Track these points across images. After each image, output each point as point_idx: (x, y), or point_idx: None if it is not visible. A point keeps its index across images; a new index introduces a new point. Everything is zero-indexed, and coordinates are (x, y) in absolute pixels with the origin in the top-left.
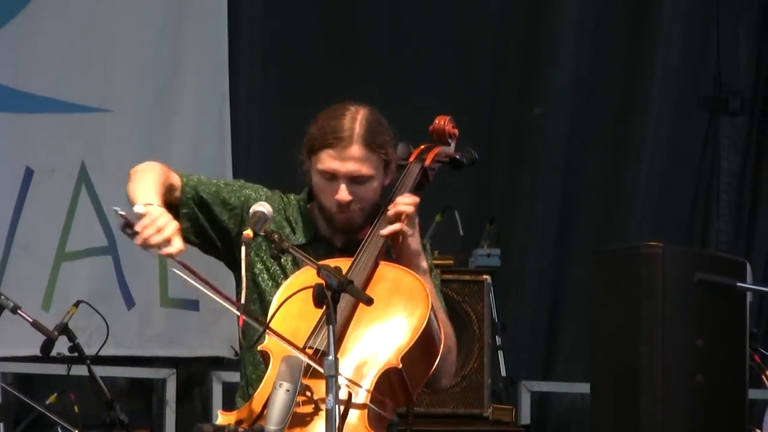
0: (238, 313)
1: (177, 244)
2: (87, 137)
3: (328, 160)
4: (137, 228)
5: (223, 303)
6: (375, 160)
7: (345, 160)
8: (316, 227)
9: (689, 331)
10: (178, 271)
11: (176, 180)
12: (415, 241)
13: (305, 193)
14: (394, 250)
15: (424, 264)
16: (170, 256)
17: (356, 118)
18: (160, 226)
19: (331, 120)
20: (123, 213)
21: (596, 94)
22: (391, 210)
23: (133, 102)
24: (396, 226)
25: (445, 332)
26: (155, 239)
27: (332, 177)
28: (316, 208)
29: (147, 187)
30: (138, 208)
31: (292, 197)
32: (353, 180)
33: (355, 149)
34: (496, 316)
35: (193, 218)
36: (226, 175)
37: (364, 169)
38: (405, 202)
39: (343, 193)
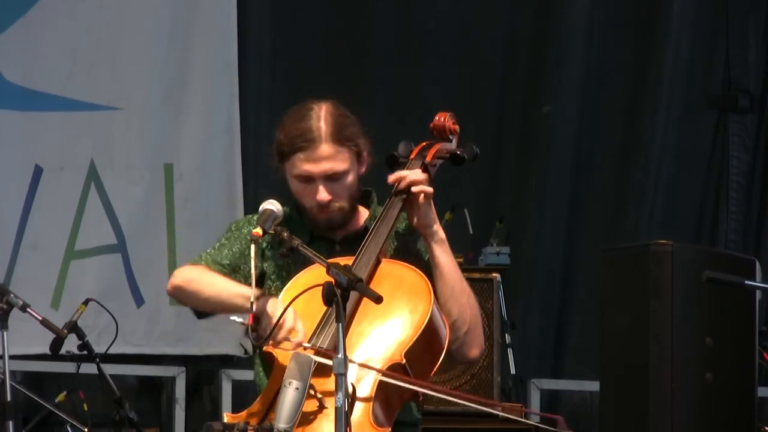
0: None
1: (301, 330)
2: (96, 135)
3: (301, 164)
4: (265, 333)
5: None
6: (347, 154)
7: (318, 161)
8: (311, 229)
9: (698, 330)
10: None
11: (204, 268)
12: (428, 209)
13: (293, 203)
14: (410, 220)
15: (442, 233)
16: (301, 345)
17: (321, 116)
18: (287, 326)
19: (297, 123)
20: (241, 320)
21: (605, 93)
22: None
23: (142, 101)
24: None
25: (468, 302)
26: (282, 335)
27: (308, 179)
28: (306, 214)
29: (224, 283)
30: (255, 308)
31: (286, 209)
32: (329, 178)
33: (325, 148)
34: (506, 315)
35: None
36: (235, 173)
37: (338, 166)
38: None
39: (323, 194)
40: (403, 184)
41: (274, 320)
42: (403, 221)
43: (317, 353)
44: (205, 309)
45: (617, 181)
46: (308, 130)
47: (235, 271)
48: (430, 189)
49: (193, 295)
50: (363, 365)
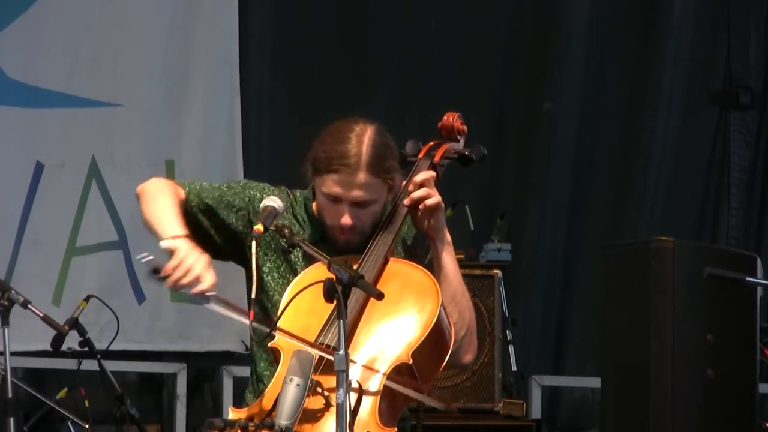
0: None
1: (208, 279)
2: (97, 132)
3: (333, 186)
4: (165, 272)
5: (258, 326)
6: (380, 185)
7: (351, 188)
8: (323, 228)
9: (699, 326)
10: (213, 308)
11: (182, 192)
12: (440, 215)
13: (310, 191)
14: (417, 225)
15: (449, 237)
16: (203, 293)
17: (363, 141)
18: (189, 266)
19: (338, 144)
20: (148, 259)
21: (606, 90)
22: (413, 194)
23: (143, 97)
24: (422, 192)
25: (467, 307)
26: (185, 281)
27: (336, 200)
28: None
29: (167, 213)
30: (164, 244)
31: (298, 194)
32: (357, 204)
33: (362, 176)
34: (507, 311)
35: (198, 226)
36: (237, 171)
37: (370, 196)
38: (421, 179)
39: (347, 219)
40: (420, 195)
41: (189, 265)
42: (407, 225)
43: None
44: (145, 226)
45: (618, 177)
46: (347, 154)
47: (210, 214)
48: (438, 198)
49: (145, 205)
50: (367, 367)
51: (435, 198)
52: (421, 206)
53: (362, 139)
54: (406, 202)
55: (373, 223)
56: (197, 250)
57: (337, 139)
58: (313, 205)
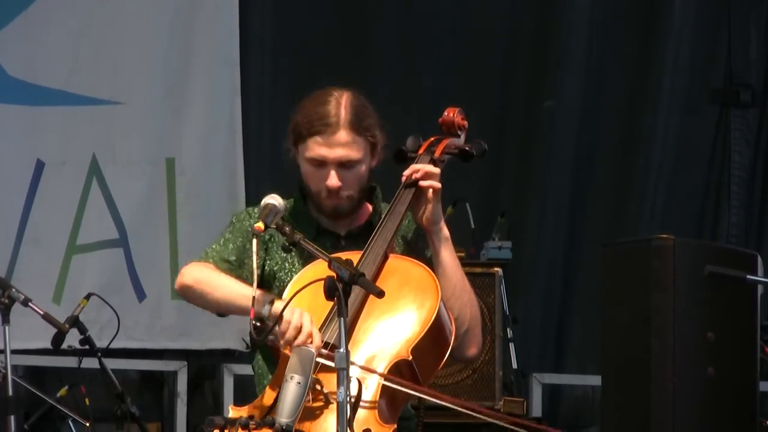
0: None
1: (317, 338)
2: (98, 130)
3: (316, 147)
4: (281, 334)
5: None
6: (362, 144)
7: (333, 146)
8: (318, 222)
9: (700, 324)
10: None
11: (212, 266)
12: (437, 206)
13: (298, 193)
14: (415, 218)
15: (446, 231)
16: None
17: (341, 103)
18: (300, 325)
19: (317, 106)
20: (258, 324)
21: (607, 88)
22: (410, 173)
23: (144, 95)
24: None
25: (469, 301)
26: (300, 339)
27: (321, 163)
28: (311, 203)
29: (232, 286)
30: (265, 312)
31: (285, 202)
32: (342, 165)
33: (343, 134)
34: (507, 309)
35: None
36: (237, 169)
37: (353, 154)
38: (422, 165)
39: (333, 179)
40: (419, 174)
41: (298, 323)
42: (407, 219)
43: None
44: (213, 311)
45: (619, 175)
46: (328, 114)
47: (241, 266)
48: (438, 185)
49: (202, 296)
50: (364, 368)
51: (432, 181)
52: (421, 183)
53: (340, 100)
54: (403, 178)
55: (360, 187)
56: (299, 310)
57: (315, 102)
58: (304, 201)
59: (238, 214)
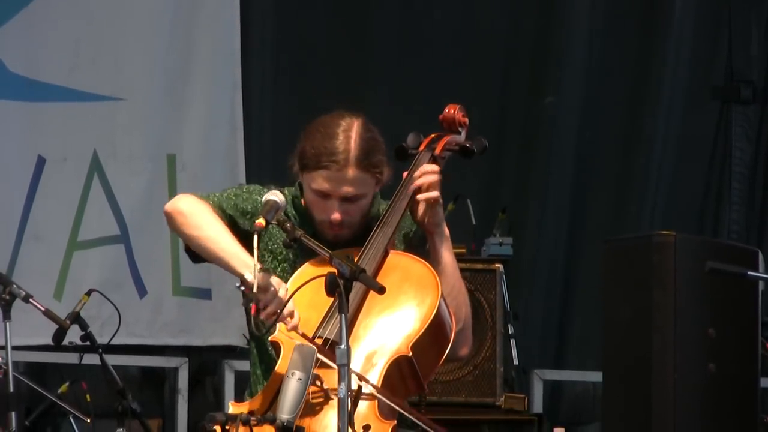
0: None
1: (297, 315)
2: (99, 126)
3: (322, 182)
4: (261, 305)
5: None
6: (369, 180)
7: (341, 184)
8: (313, 223)
9: (701, 320)
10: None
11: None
12: (439, 210)
13: (297, 188)
14: (416, 220)
15: (447, 230)
16: (294, 329)
17: (351, 137)
18: (281, 300)
19: (326, 140)
20: (244, 289)
21: (608, 84)
22: (416, 181)
23: (145, 91)
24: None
25: (464, 302)
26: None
27: (326, 196)
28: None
29: (227, 240)
30: (248, 276)
31: (287, 192)
32: (346, 199)
33: (351, 172)
34: (508, 305)
35: None
36: (238, 165)
37: (359, 190)
38: (426, 171)
39: (336, 215)
40: (420, 189)
41: (278, 296)
42: (408, 217)
43: (320, 349)
44: (197, 249)
45: (620, 172)
46: (337, 151)
47: (233, 224)
48: (436, 194)
49: (192, 228)
50: (360, 376)
51: (433, 193)
52: (418, 197)
53: (350, 134)
54: (409, 190)
55: (362, 217)
56: (283, 284)
57: (324, 135)
58: (302, 201)
59: (247, 185)
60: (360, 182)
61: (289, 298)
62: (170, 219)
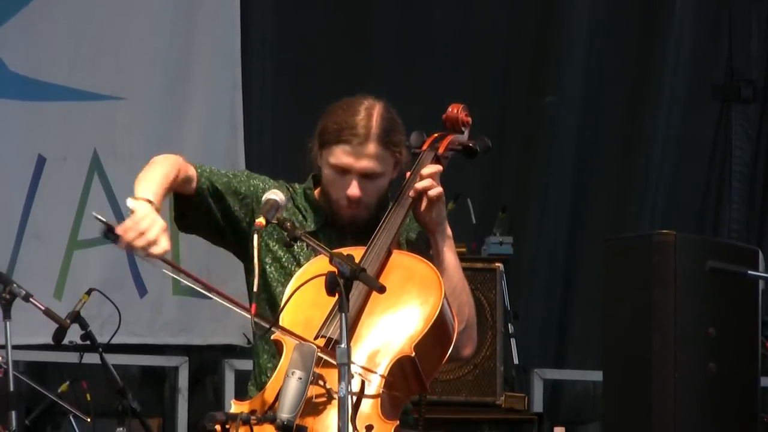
0: (226, 304)
1: (162, 245)
2: (99, 125)
3: (342, 156)
4: (118, 231)
5: (220, 300)
6: (388, 158)
7: (360, 158)
8: (325, 213)
9: (701, 319)
10: (166, 271)
11: (192, 171)
12: (442, 208)
13: (310, 181)
14: (418, 218)
15: (449, 230)
16: (155, 257)
17: (372, 115)
18: (144, 229)
19: (348, 116)
20: (102, 218)
21: (608, 83)
22: (420, 182)
23: (145, 90)
24: (426, 182)
25: (467, 301)
26: (138, 242)
27: (345, 171)
28: (322, 194)
29: (150, 179)
30: (128, 203)
31: (297, 186)
32: (365, 176)
33: (371, 147)
34: (509, 304)
35: (207, 208)
36: (238, 164)
37: (378, 167)
38: (428, 173)
39: (355, 189)
40: (422, 190)
41: (144, 227)
42: (410, 217)
43: (322, 349)
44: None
45: (620, 171)
46: (359, 125)
47: (218, 198)
48: (437, 191)
49: (138, 175)
50: (365, 368)
51: (437, 189)
52: (417, 186)
53: (371, 111)
54: (411, 193)
55: (378, 200)
56: (156, 215)
57: (346, 111)
58: (315, 192)
59: (250, 172)
60: (379, 159)
61: (289, 298)
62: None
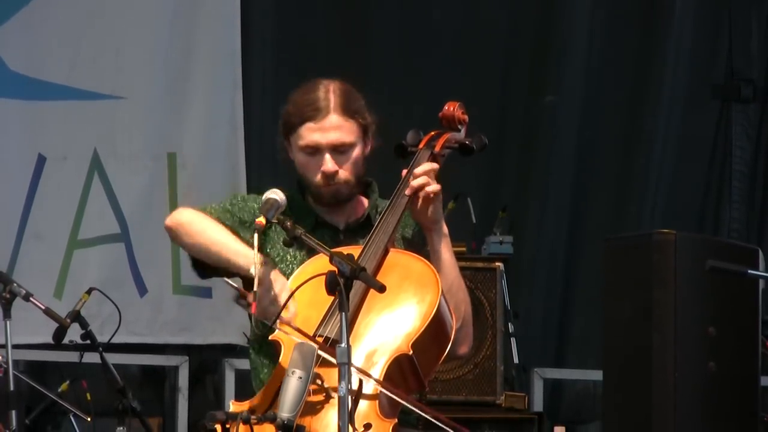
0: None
1: (292, 309)
2: (99, 124)
3: (308, 134)
4: (250, 299)
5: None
6: (354, 127)
7: (325, 131)
8: (316, 214)
9: (701, 319)
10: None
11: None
12: (438, 205)
13: (296, 185)
14: (415, 216)
15: (445, 229)
16: (288, 324)
17: (329, 89)
18: (275, 295)
19: (306, 94)
20: (234, 284)
21: (608, 83)
22: (414, 181)
23: (145, 89)
24: (422, 180)
25: (464, 299)
26: (272, 310)
27: (315, 150)
28: (310, 196)
29: (230, 238)
30: (253, 271)
31: (287, 192)
32: (336, 149)
33: (334, 118)
34: (509, 304)
35: None
36: (239, 164)
37: (346, 137)
38: (423, 170)
39: (329, 164)
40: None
41: (275, 292)
42: (407, 215)
43: (321, 346)
44: (201, 255)
45: (620, 170)
46: (317, 99)
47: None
48: (435, 188)
49: (194, 235)
50: (361, 371)
51: (433, 186)
52: (420, 194)
53: (328, 87)
54: (406, 191)
55: (357, 176)
56: (282, 278)
57: (304, 92)
58: (302, 195)
59: (242, 194)
60: (344, 129)
61: (289, 298)
62: (172, 232)
